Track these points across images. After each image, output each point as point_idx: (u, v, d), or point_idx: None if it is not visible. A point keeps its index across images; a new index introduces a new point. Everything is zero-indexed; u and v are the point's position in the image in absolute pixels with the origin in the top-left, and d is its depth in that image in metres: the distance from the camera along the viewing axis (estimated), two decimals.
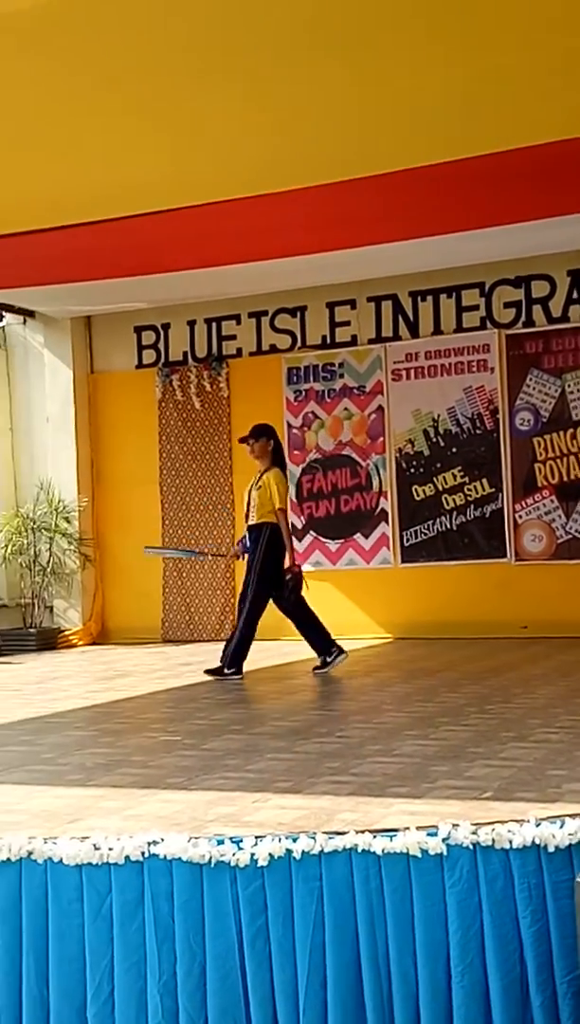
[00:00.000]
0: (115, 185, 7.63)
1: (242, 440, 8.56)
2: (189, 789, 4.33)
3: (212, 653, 10.04)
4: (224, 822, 3.72)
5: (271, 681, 8.21)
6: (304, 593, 8.29)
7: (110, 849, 3.45)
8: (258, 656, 9.41)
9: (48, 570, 11.84)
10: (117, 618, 12.02)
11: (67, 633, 11.80)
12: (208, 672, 8.11)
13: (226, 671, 8.04)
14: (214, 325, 11.77)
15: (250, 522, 8.27)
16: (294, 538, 11.13)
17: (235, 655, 8.11)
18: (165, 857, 3.41)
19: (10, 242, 8.78)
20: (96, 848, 3.47)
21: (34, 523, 11.78)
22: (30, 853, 3.52)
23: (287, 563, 8.22)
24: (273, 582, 8.17)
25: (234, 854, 3.38)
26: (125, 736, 5.96)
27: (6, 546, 11.77)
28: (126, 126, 6.58)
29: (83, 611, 11.98)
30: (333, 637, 8.29)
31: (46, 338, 12.25)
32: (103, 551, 12.11)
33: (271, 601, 8.25)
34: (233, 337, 11.69)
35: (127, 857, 3.44)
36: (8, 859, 3.52)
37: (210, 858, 3.39)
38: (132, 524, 11.90)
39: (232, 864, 3.38)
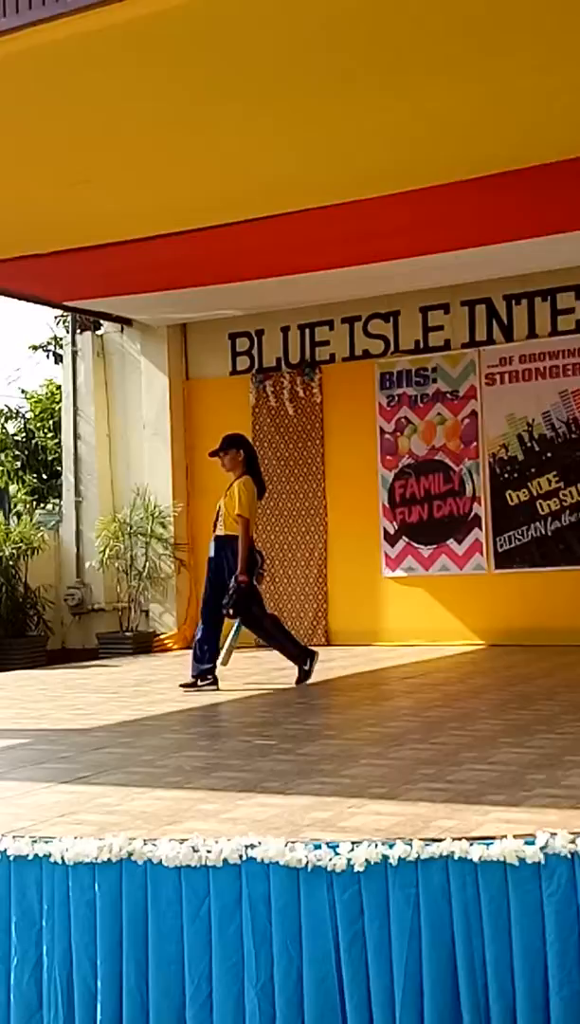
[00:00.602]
0: (221, 193, 7.73)
1: (212, 454, 8.49)
2: (285, 793, 4.35)
3: None
4: (320, 827, 3.74)
5: (364, 687, 8.21)
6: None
7: (208, 852, 3.50)
8: (350, 661, 9.43)
9: (144, 575, 11.99)
10: None
11: (162, 637, 11.94)
12: (184, 686, 8.02)
13: (200, 683, 7.98)
14: (307, 331, 11.82)
15: (217, 532, 8.19)
16: (387, 543, 11.18)
17: (297, 655, 8.07)
18: (262, 861, 3.45)
19: (110, 251, 8.96)
20: (195, 850, 3.51)
21: (131, 528, 11.94)
22: (130, 854, 3.58)
23: (239, 574, 7.91)
24: (248, 594, 8.01)
25: (331, 859, 3.40)
26: (221, 740, 6.02)
27: (104, 551, 11.96)
28: (245, 133, 6.67)
29: (178, 615, 12.11)
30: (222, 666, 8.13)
31: (143, 346, 12.42)
32: (197, 556, 12.20)
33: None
34: (326, 343, 11.72)
35: (225, 860, 3.49)
36: (109, 859, 3.58)
37: (307, 862, 3.41)
38: None
39: (329, 869, 3.39)
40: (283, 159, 7.13)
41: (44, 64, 5.73)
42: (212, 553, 8.21)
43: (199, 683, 7.96)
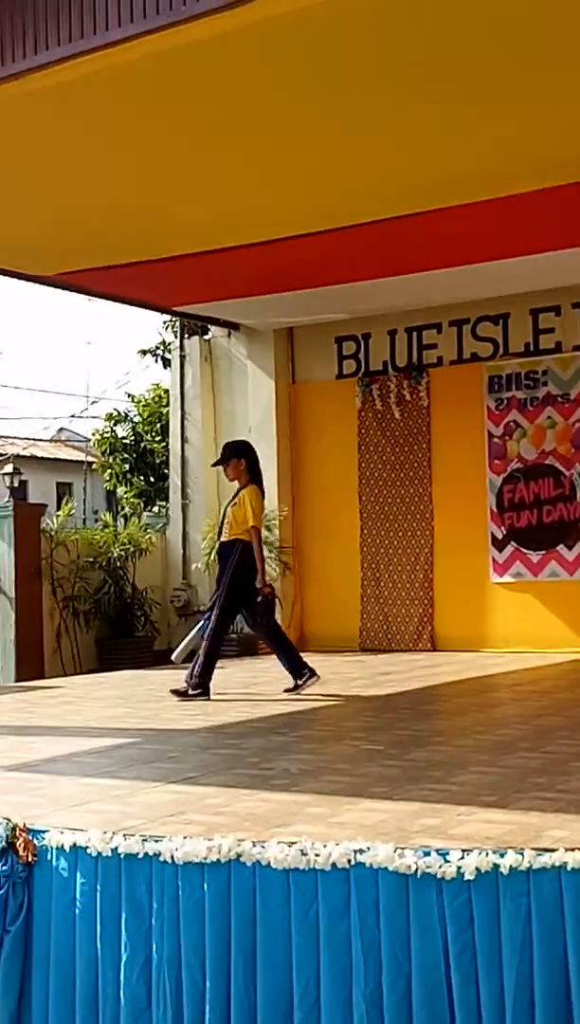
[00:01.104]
0: (332, 198, 7.74)
1: (215, 464, 8.46)
2: (393, 799, 4.32)
3: (410, 663, 10.05)
4: (430, 834, 3.70)
5: (472, 694, 8.13)
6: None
7: (317, 855, 3.49)
8: (457, 667, 9.34)
9: None
10: (315, 626, 12.12)
11: None
12: (174, 692, 7.94)
13: (191, 692, 7.86)
14: (414, 334, 11.75)
15: (222, 539, 8.10)
16: (495, 548, 11.05)
17: (201, 675, 7.91)
18: (371, 866, 3.43)
19: (219, 257, 9.03)
20: (303, 854, 3.51)
21: None
22: (239, 855, 3.59)
23: (258, 584, 7.88)
24: (242, 600, 7.96)
25: (440, 866, 3.36)
26: (327, 743, 6.01)
27: (209, 553, 12.03)
28: (358, 135, 6.67)
29: (282, 618, 12.11)
30: (305, 660, 8.08)
31: (249, 350, 12.49)
32: (302, 560, 12.24)
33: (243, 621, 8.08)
34: (434, 346, 11.63)
35: (333, 864, 3.47)
36: (218, 860, 3.60)
37: (416, 869, 3.38)
38: (331, 533, 12.00)
39: (438, 876, 3.36)
40: (396, 164, 7.11)
41: (164, 69, 5.79)
42: (219, 560, 8.16)
43: (190, 692, 7.90)
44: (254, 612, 8.01)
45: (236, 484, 8.24)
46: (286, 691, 7.94)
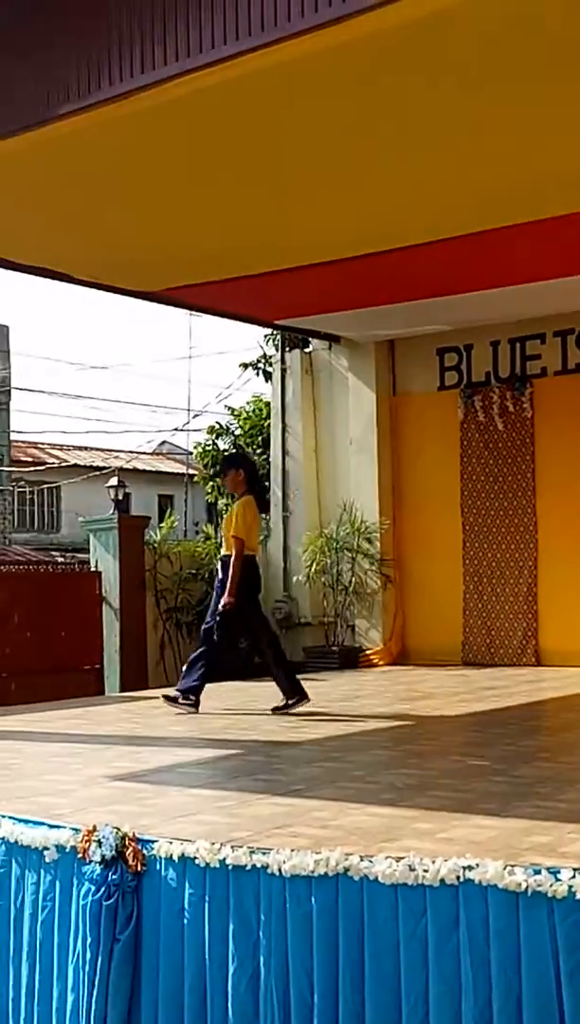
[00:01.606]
0: (434, 210, 7.71)
1: (213, 476, 8.35)
2: (502, 816, 4.27)
3: (514, 677, 9.93)
4: (540, 852, 3.65)
5: (579, 709, 7.99)
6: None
7: (425, 871, 3.46)
8: (562, 683, 9.20)
9: (350, 590, 12.04)
10: (417, 639, 12.06)
11: (368, 652, 11.96)
12: (166, 699, 7.97)
13: (181, 701, 7.88)
14: (518, 345, 11.63)
15: (223, 552, 8.05)
16: None
17: (285, 689, 7.94)
18: (480, 883, 3.39)
19: (320, 270, 9.06)
20: (411, 869, 3.48)
21: (337, 543, 12.02)
22: (347, 869, 3.58)
23: (226, 597, 7.77)
24: (243, 612, 7.88)
25: (551, 885, 3.30)
26: (432, 759, 5.97)
27: (310, 565, 12.07)
28: (457, 149, 6.64)
29: (384, 631, 12.10)
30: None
31: (350, 362, 12.51)
32: (404, 572, 12.19)
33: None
34: (538, 356, 11.51)
35: (442, 880, 3.44)
36: (326, 873, 3.59)
37: (527, 887, 3.33)
38: (433, 546, 11.93)
39: (549, 895, 3.30)
40: (501, 173, 7.06)
41: (270, 83, 5.83)
42: (219, 573, 8.12)
43: (180, 700, 7.89)
44: (210, 621, 7.92)
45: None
46: (165, 697, 8.00)
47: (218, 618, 7.78)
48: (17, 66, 6.33)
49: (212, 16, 5.43)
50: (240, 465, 8.30)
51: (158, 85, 5.72)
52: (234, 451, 8.57)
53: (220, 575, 7.96)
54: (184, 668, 8.21)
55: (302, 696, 7.82)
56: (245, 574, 7.79)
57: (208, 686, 8.01)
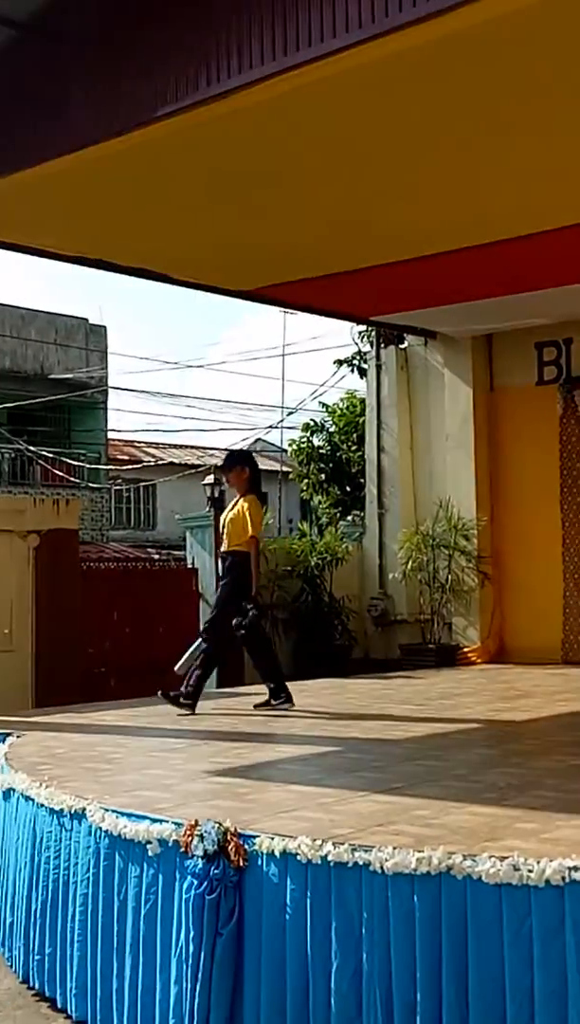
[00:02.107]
0: (534, 202, 7.62)
1: (217, 469, 8.24)
2: None
3: None
4: None
5: None
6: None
7: (530, 871, 3.42)
8: None
9: (447, 587, 11.95)
10: (516, 637, 11.93)
11: (466, 650, 11.86)
12: (164, 695, 7.93)
13: (183, 702, 7.88)
14: None
15: (223, 549, 8.02)
16: None
17: (272, 685, 7.99)
18: None
19: (416, 265, 9.01)
20: (515, 869, 3.44)
21: (433, 540, 11.94)
22: (449, 868, 3.55)
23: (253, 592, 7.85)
24: (237, 610, 7.89)
25: None
26: (534, 758, 5.89)
27: (406, 562, 12.01)
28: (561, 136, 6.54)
29: (481, 629, 11.99)
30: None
31: (446, 358, 12.41)
32: (502, 569, 12.06)
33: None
34: None
35: (547, 881, 3.39)
36: (428, 872, 3.57)
37: None
38: (531, 543, 11.78)
39: None
40: None
41: (370, 79, 5.81)
42: (221, 570, 8.09)
43: (182, 700, 7.92)
44: (242, 617, 7.90)
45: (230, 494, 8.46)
46: (256, 706, 8.03)
47: (252, 611, 7.85)
48: (121, 68, 6.41)
49: (310, 13, 5.44)
50: (247, 463, 8.33)
51: (260, 83, 5.73)
52: (242, 450, 8.62)
53: (221, 570, 8.06)
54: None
55: (287, 697, 7.96)
56: (242, 573, 7.91)
57: (304, 683, 8.04)
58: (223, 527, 8.16)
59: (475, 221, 8.13)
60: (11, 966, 5.18)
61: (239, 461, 8.33)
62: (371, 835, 3.94)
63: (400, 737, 6.59)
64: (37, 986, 4.87)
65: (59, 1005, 4.67)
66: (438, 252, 8.80)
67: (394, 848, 3.68)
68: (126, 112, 6.40)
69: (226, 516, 8.16)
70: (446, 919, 3.55)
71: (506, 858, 3.49)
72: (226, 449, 33.63)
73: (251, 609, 7.83)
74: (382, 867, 3.65)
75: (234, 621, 7.81)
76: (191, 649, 8.29)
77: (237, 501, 8.13)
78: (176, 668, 8.30)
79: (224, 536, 8.08)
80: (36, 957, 4.91)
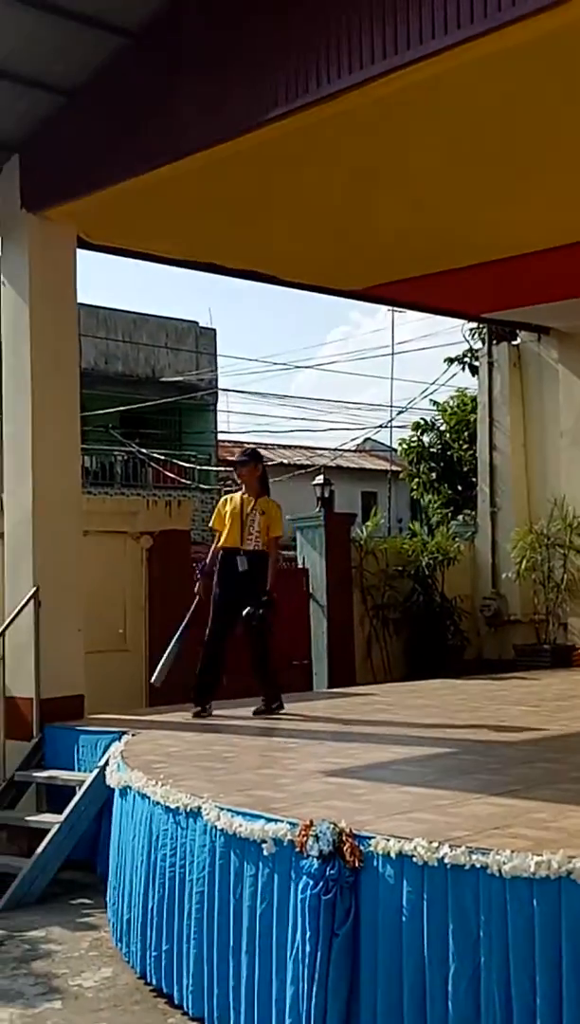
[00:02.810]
0: None
1: (232, 464, 8.03)
2: None
3: None
4: None
5: None
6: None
7: None
8: None
9: (563, 587, 11.76)
10: None
11: None
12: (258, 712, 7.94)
13: (196, 707, 7.87)
14: None
15: (250, 547, 7.86)
16: None
17: (270, 690, 7.98)
18: None
19: (527, 262, 8.90)
20: None
21: (548, 539, 11.76)
22: (570, 873, 3.49)
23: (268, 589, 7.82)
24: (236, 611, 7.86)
25: None
26: None
27: (520, 562, 11.85)
28: None
29: None
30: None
31: (560, 353, 12.22)
32: None
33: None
34: None
35: None
36: (547, 876, 3.51)
37: None
38: None
39: None
40: None
41: (478, 76, 5.76)
42: (244, 567, 7.86)
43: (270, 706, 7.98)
44: (254, 611, 7.84)
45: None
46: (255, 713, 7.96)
47: (268, 601, 7.84)
48: (229, 73, 6.46)
49: (421, 10, 5.40)
50: (261, 461, 8.28)
51: (370, 82, 5.72)
52: (256, 448, 8.56)
53: (245, 567, 7.89)
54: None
55: (201, 708, 7.92)
56: (265, 571, 7.92)
57: (416, 684, 7.98)
58: (241, 525, 7.95)
59: None
60: (128, 961, 5.26)
61: (257, 459, 8.31)
62: (488, 838, 3.90)
63: (515, 739, 6.50)
64: (154, 982, 4.93)
65: (176, 1001, 4.73)
66: (550, 247, 8.67)
67: (512, 851, 3.63)
68: (236, 117, 6.44)
69: (252, 515, 7.98)
70: (566, 923, 3.49)
71: None
72: (337, 449, 33.78)
73: (267, 600, 7.84)
74: (500, 870, 3.61)
75: (247, 611, 7.81)
76: (164, 658, 8.21)
77: (254, 502, 8.01)
78: (153, 680, 8.29)
79: (254, 535, 7.93)
80: (153, 953, 4.98)
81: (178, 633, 8.21)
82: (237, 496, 8.15)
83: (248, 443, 33.18)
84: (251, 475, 8.14)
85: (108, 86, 7.29)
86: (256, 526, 7.95)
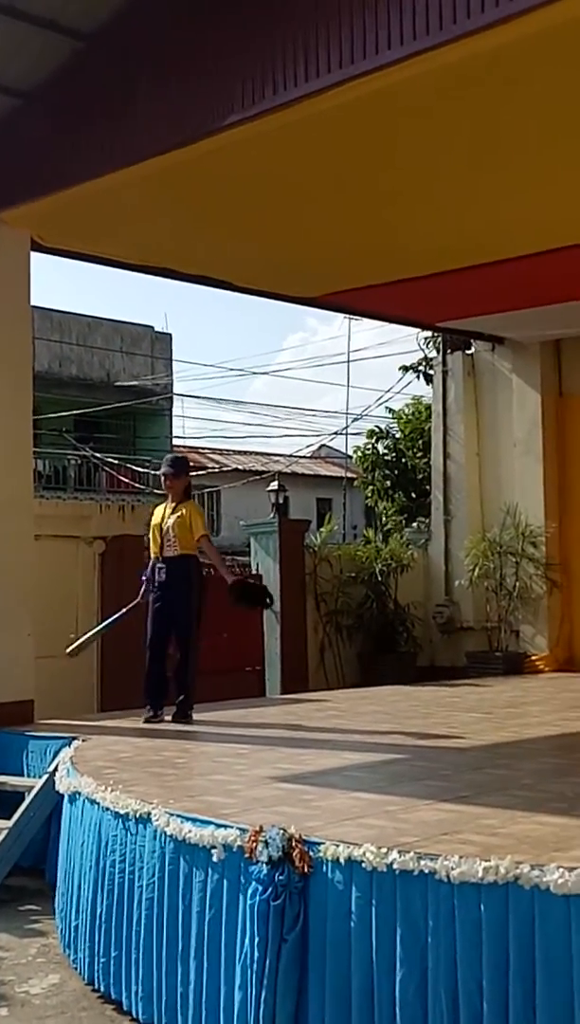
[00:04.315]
0: None
1: (166, 471, 8.15)
2: None
3: None
4: None
5: None
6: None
7: None
8: None
9: (514, 595, 11.84)
10: None
11: (533, 658, 11.74)
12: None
13: (148, 713, 7.85)
14: None
15: (168, 554, 7.88)
16: None
17: (184, 704, 7.91)
18: None
19: (484, 271, 8.96)
20: None
21: (500, 547, 11.84)
22: (517, 878, 3.51)
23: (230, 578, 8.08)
24: (201, 617, 7.95)
25: None
26: None
27: (473, 569, 11.92)
28: None
29: (550, 637, 11.86)
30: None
31: (514, 363, 12.31)
32: (570, 577, 11.93)
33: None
34: None
35: None
36: (495, 881, 3.53)
37: None
38: None
39: None
40: None
41: (432, 88, 5.79)
42: (163, 577, 7.91)
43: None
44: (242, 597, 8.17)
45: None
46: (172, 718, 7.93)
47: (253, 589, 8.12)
48: (186, 79, 6.45)
49: (377, 19, 5.43)
50: (187, 471, 8.38)
51: (327, 90, 5.74)
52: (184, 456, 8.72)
53: (163, 578, 7.90)
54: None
55: (153, 714, 7.90)
56: (201, 577, 8.05)
57: (369, 690, 8.00)
58: (161, 534, 7.97)
59: (543, 226, 8.06)
60: (76, 968, 5.22)
61: (186, 469, 8.41)
62: (437, 844, 3.91)
63: (466, 745, 6.53)
64: (102, 988, 4.90)
65: (124, 1008, 4.70)
66: (505, 258, 8.73)
67: (461, 857, 3.65)
68: (192, 123, 6.45)
69: (167, 522, 7.99)
70: (513, 929, 3.51)
71: (575, 868, 3.44)
72: (292, 456, 33.82)
73: (261, 584, 8.11)
74: (448, 876, 3.62)
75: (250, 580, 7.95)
76: (87, 635, 8.35)
77: (176, 507, 8.03)
78: (68, 650, 8.27)
79: (172, 541, 7.92)
80: (101, 960, 4.94)
81: (111, 619, 8.34)
82: (160, 508, 8.19)
83: (203, 448, 33.15)
84: (181, 483, 8.16)
85: (65, 89, 7.26)
86: (172, 532, 7.96)
